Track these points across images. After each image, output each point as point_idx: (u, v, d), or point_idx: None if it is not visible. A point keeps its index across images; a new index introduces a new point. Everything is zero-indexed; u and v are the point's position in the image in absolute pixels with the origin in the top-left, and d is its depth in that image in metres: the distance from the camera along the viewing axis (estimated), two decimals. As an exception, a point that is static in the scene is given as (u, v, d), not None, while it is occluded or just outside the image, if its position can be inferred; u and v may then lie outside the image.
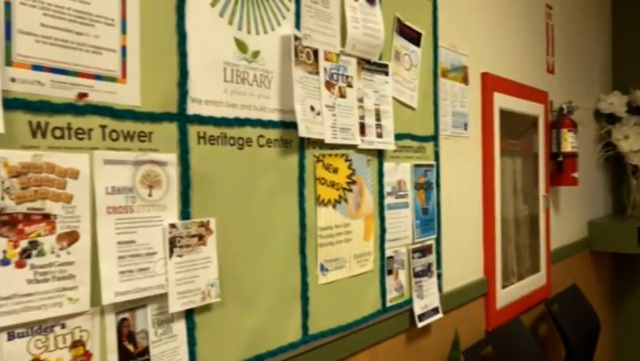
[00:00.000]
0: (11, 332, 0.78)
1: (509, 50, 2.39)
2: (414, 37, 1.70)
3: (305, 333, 1.28)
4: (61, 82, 0.85)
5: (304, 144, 1.29)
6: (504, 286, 2.28)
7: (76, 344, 0.85)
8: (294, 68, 1.23)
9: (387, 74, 1.55)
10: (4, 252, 0.77)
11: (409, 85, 1.67)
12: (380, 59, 1.53)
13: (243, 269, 1.14)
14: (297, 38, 1.24)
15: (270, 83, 1.21)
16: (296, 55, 1.23)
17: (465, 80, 2.01)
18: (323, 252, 1.34)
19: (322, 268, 1.33)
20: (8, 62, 0.79)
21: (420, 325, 1.66)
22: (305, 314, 1.28)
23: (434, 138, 1.80)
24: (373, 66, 1.51)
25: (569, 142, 2.73)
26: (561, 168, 2.74)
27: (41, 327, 0.81)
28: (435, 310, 1.75)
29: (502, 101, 2.23)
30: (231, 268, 1.11)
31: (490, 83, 2.15)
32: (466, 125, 2.02)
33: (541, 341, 2.72)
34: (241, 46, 1.14)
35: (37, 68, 0.82)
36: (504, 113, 2.26)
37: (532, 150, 2.68)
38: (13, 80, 0.79)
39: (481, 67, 2.14)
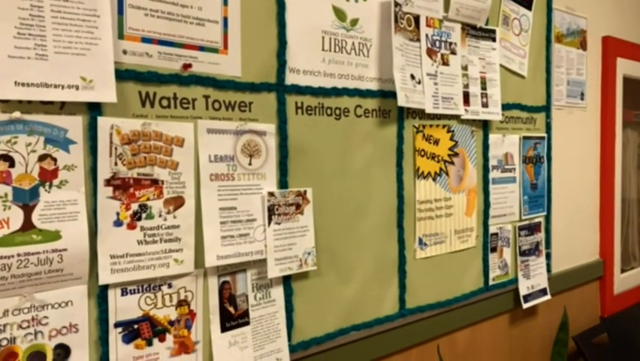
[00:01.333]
0: (124, 288, 0.84)
1: (635, 11, 2.15)
2: (525, 0, 1.57)
3: (402, 307, 1.26)
4: (167, 53, 0.88)
5: (403, 114, 1.26)
6: (623, 271, 2.09)
7: (182, 303, 0.90)
8: (394, 35, 1.19)
9: (494, 40, 1.46)
10: (118, 214, 0.83)
11: (518, 51, 1.56)
12: (487, 24, 1.44)
13: (339, 240, 1.14)
14: (397, 4, 1.20)
15: (368, 52, 1.18)
16: (396, 21, 1.19)
17: (583, 45, 1.84)
18: (422, 226, 1.30)
19: (420, 242, 1.30)
20: (120, 35, 0.83)
21: (525, 306, 1.57)
22: (402, 288, 1.26)
23: (546, 109, 1.67)
24: (479, 32, 1.42)
25: None
26: (697, 142, 2.43)
27: (150, 285, 0.87)
28: (542, 292, 1.65)
29: (627, 67, 2.01)
30: (328, 238, 1.11)
31: (613, 48, 1.94)
32: (582, 95, 1.85)
33: (665, 332, 2.48)
34: (339, 14, 1.12)
35: (146, 40, 0.86)
36: (628, 81, 2.04)
37: (661, 122, 2.41)
38: (124, 52, 0.84)
39: (602, 30, 1.94)
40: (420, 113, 1.29)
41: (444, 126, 1.35)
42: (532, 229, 1.63)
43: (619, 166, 2.01)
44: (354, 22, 1.15)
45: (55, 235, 0.76)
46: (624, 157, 2.16)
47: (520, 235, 1.58)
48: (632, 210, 2.28)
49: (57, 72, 0.76)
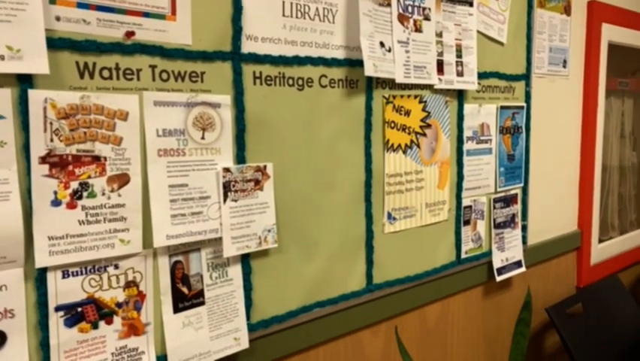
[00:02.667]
0: (65, 270, 0.80)
1: (626, -26, 2.07)
2: (506, -39, 1.50)
3: (369, 282, 1.24)
4: (107, 20, 0.82)
5: (372, 84, 1.20)
6: (601, 241, 2.08)
7: (130, 284, 0.86)
8: (361, 0, 1.12)
9: (471, 4, 1.39)
10: (55, 193, 0.78)
11: (497, 17, 1.50)
12: (464, -13, 1.37)
13: (304, 216, 1.10)
14: (365, -34, 1.13)
15: (334, 18, 1.11)
16: (363, -15, 1.12)
17: (567, 10, 1.77)
18: (391, 200, 1.26)
19: (390, 216, 1.27)
20: (52, 0, 0.77)
21: (499, 278, 1.56)
22: (369, 263, 1.23)
23: (526, 77, 1.62)
24: (455, -4, 1.35)
25: (693, 81, 2.37)
26: (682, 110, 2.40)
27: (94, 267, 0.83)
28: (517, 264, 1.63)
29: (612, 33, 1.95)
30: (291, 214, 1.07)
31: (598, 13, 1.88)
32: (565, 63, 1.79)
33: (642, 300, 2.50)
34: (302, -24, 1.06)
35: (82, 5, 0.79)
36: (614, 48, 1.98)
37: (646, 90, 2.36)
38: (57, 18, 0.78)
39: (589, -6, 1.88)
40: (390, 83, 1.23)
41: (416, 97, 1.29)
42: (509, 201, 1.60)
43: (600, 136, 1.97)
44: (318, -15, 1.08)
45: (-17, 217, 0.72)
46: (607, 126, 2.13)
47: (495, 208, 1.55)
48: (613, 180, 2.26)
49: (-21, 41, 0.70)
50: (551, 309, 1.70)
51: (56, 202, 0.78)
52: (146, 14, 0.86)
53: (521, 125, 1.61)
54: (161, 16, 0.87)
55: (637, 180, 2.41)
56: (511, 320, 1.70)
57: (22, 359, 0.77)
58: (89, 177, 0.81)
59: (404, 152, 1.28)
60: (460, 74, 1.38)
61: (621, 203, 2.33)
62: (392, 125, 1.25)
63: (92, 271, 0.83)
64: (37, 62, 0.74)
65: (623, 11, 2.01)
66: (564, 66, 1.80)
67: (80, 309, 0.81)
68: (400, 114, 1.26)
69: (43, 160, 0.77)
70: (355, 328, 1.23)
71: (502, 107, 1.54)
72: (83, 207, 0.81)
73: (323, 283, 1.14)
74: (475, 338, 1.58)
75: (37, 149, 0.76)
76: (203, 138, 0.93)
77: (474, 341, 1.58)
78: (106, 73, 0.82)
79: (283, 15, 1.03)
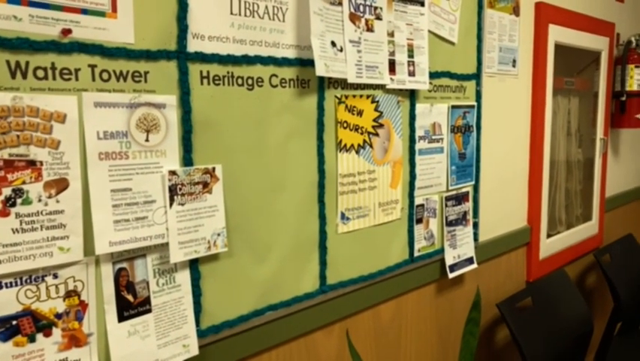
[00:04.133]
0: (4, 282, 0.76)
1: (571, -24, 2.14)
2: (456, -38, 1.51)
3: (323, 283, 1.23)
4: (41, 17, 0.78)
5: (324, 84, 1.19)
6: (549, 236, 2.15)
7: (71, 293, 0.83)
8: (311, -1, 1.11)
9: (422, 4, 1.40)
10: (-14, 200, 0.73)
11: (448, 17, 1.51)
12: (415, -13, 1.37)
13: (255, 218, 1.08)
14: (315, -36, 1.11)
15: (284, 16, 1.10)
16: (314, -17, 1.11)
17: (516, 10, 1.81)
18: (344, 200, 1.26)
19: (343, 216, 1.26)
20: (-21, -5, 0.72)
21: (451, 275, 1.58)
22: (323, 264, 1.22)
23: (476, 77, 1.65)
24: (406, -4, 1.36)
25: (635, 80, 2.47)
26: (624, 108, 2.49)
27: (31, 277, 0.79)
28: (469, 261, 1.66)
29: (559, 34, 2.01)
30: (241, 217, 1.05)
31: (545, 14, 1.93)
32: (514, 62, 1.83)
33: (588, 293, 2.59)
34: (250, -26, 1.03)
35: (13, 1, 0.75)
36: (560, 48, 2.04)
37: (591, 89, 2.44)
38: (-15, 15, 0.73)
39: (536, -5, 1.92)
40: (342, 83, 1.23)
41: (368, 96, 1.29)
42: (460, 198, 1.62)
43: (548, 133, 2.03)
44: (267, -17, 1.06)
45: None
46: (554, 124, 2.19)
47: (447, 206, 1.57)
48: (560, 177, 2.33)
49: None
50: (502, 304, 1.74)
51: (-14, 210, 0.74)
52: (85, 11, 0.82)
53: (472, 125, 1.64)
54: (101, 14, 0.84)
55: (582, 175, 2.49)
56: (463, 316, 1.73)
57: (-49, 378, 0.72)
58: (24, 182, 0.77)
59: (357, 152, 1.28)
60: (411, 73, 1.38)
61: (568, 198, 2.40)
62: (344, 125, 1.24)
63: (29, 281, 0.78)
64: (-37, 61, 0.70)
65: (569, 13, 2.07)
66: (513, 66, 1.84)
67: (14, 322, 0.77)
68: (353, 114, 1.26)
69: (-29, 166, 0.72)
70: (309, 329, 1.22)
71: (454, 107, 1.55)
72: (17, 215, 0.76)
73: (275, 286, 1.13)
74: (429, 334, 1.60)
75: (-35, 154, 0.71)
76: (147, 140, 0.90)
77: (427, 338, 1.60)
78: (40, 73, 0.78)
79: (231, 13, 1.01)
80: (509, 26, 1.78)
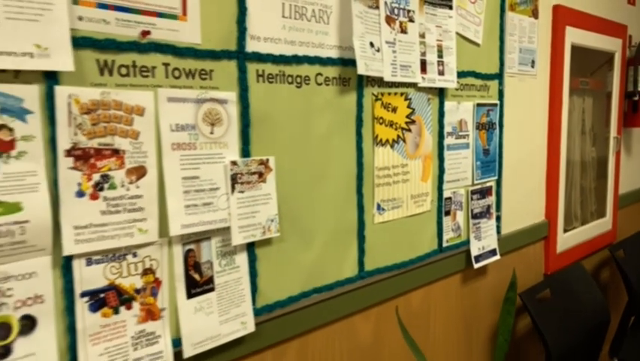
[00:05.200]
0: (89, 259, 0.84)
1: (586, -20, 2.22)
2: (481, -32, 1.60)
3: (361, 269, 1.31)
4: (125, 20, 0.86)
5: (363, 82, 1.27)
6: (566, 230, 2.22)
7: (147, 271, 0.91)
8: (354, 2, 1.19)
9: (451, 7, 1.48)
10: (79, 184, 0.82)
11: (473, 19, 1.59)
12: (444, -9, 1.46)
13: (301, 206, 1.16)
14: (356, -29, 1.20)
15: (328, 19, 1.18)
16: (355, -11, 1.19)
17: (535, 13, 1.89)
18: (380, 192, 1.34)
19: (379, 207, 1.34)
20: (75, 1, 0.81)
21: (476, 266, 1.66)
22: (361, 251, 1.30)
23: (499, 76, 1.73)
24: (436, -1, 1.44)
25: (646, 80, 2.54)
26: (636, 107, 2.57)
27: (115, 255, 0.87)
28: (492, 252, 1.74)
29: (575, 35, 2.09)
30: (289, 205, 1.13)
31: (562, 17, 2.01)
32: (533, 63, 1.91)
33: (603, 287, 2.66)
34: (299, -20, 1.12)
35: (102, 6, 0.84)
36: (576, 49, 2.12)
37: (605, 89, 2.52)
38: (80, 18, 0.81)
39: (553, -1, 2.00)
40: (378, 82, 1.31)
41: (402, 94, 1.37)
42: (484, 193, 1.70)
43: (565, 132, 2.11)
44: (314, -12, 1.15)
45: (16, 207, 0.75)
46: (570, 123, 2.27)
47: (472, 199, 1.65)
48: (576, 173, 2.41)
49: (9, 39, 0.74)
50: (523, 294, 1.81)
51: (80, 193, 0.82)
52: (160, 14, 0.90)
53: (495, 122, 1.72)
54: (174, 17, 0.92)
55: (596, 173, 2.56)
56: (487, 305, 1.81)
57: (51, 343, 0.80)
58: (110, 169, 0.85)
59: (391, 146, 1.36)
60: (441, 72, 1.46)
61: (582, 195, 2.48)
62: (380, 121, 1.33)
63: (113, 258, 0.87)
64: (63, 59, 0.78)
65: (585, 15, 2.15)
66: (532, 66, 1.91)
67: (102, 295, 0.86)
68: (388, 111, 1.34)
69: (68, 153, 0.80)
70: (348, 313, 1.30)
71: (478, 105, 1.63)
72: (105, 198, 0.85)
73: (319, 270, 1.21)
74: (455, 321, 1.68)
75: (63, 142, 0.80)
76: (212, 132, 0.98)
77: (454, 324, 1.68)
78: (124, 70, 0.87)
79: (283, 16, 1.09)
80: (529, 28, 1.87)
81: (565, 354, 1.80)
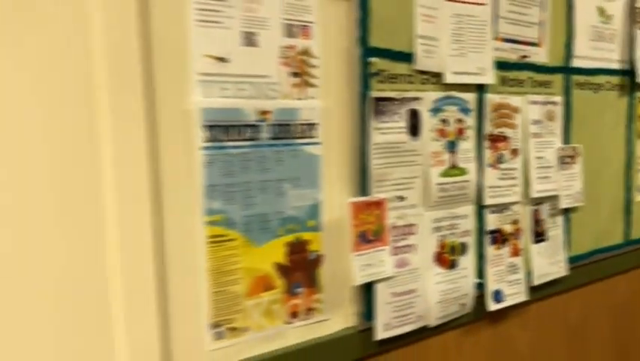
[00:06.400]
0: (492, 209, 1.25)
1: None
2: None
3: (626, 238, 1.64)
4: (511, 48, 1.27)
5: (635, 87, 1.60)
6: None
7: (515, 221, 1.31)
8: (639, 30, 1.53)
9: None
10: (489, 158, 1.23)
11: None
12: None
13: (593, 184, 1.51)
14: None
15: (613, 39, 1.52)
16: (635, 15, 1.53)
17: None
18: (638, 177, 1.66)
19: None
20: (494, 37, 1.22)
21: None
22: (627, 224, 1.63)
23: None
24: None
25: None
26: None
27: (500, 209, 1.28)
28: None
29: None
30: (586, 182, 1.49)
31: None
32: None
33: None
34: (601, 11, 1.47)
35: (506, 40, 1.24)
36: None
37: None
38: (496, 49, 1.23)
39: None
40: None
41: (658, 97, 1.68)
42: None
43: None
44: (610, 17, 1.49)
45: (464, 171, 1.18)
46: None
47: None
48: None
49: (468, 65, 1.16)
50: None
51: (490, 165, 1.23)
52: (531, 44, 1.30)
53: None
54: (536, 44, 1.31)
55: None
56: None
57: (473, 262, 1.22)
58: (503, 149, 1.26)
59: (651, 139, 1.67)
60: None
61: None
62: (643, 119, 1.64)
63: (500, 210, 1.27)
64: (489, 76, 1.20)
65: None
66: None
67: (495, 235, 1.27)
68: (648, 110, 1.66)
69: (486, 138, 1.22)
70: (614, 272, 1.63)
71: None
72: (500, 169, 1.26)
73: (604, 234, 1.56)
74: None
75: (484, 130, 1.22)
76: (550, 126, 1.36)
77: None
78: (510, 82, 1.27)
79: (590, 39, 1.45)
80: None
81: None
